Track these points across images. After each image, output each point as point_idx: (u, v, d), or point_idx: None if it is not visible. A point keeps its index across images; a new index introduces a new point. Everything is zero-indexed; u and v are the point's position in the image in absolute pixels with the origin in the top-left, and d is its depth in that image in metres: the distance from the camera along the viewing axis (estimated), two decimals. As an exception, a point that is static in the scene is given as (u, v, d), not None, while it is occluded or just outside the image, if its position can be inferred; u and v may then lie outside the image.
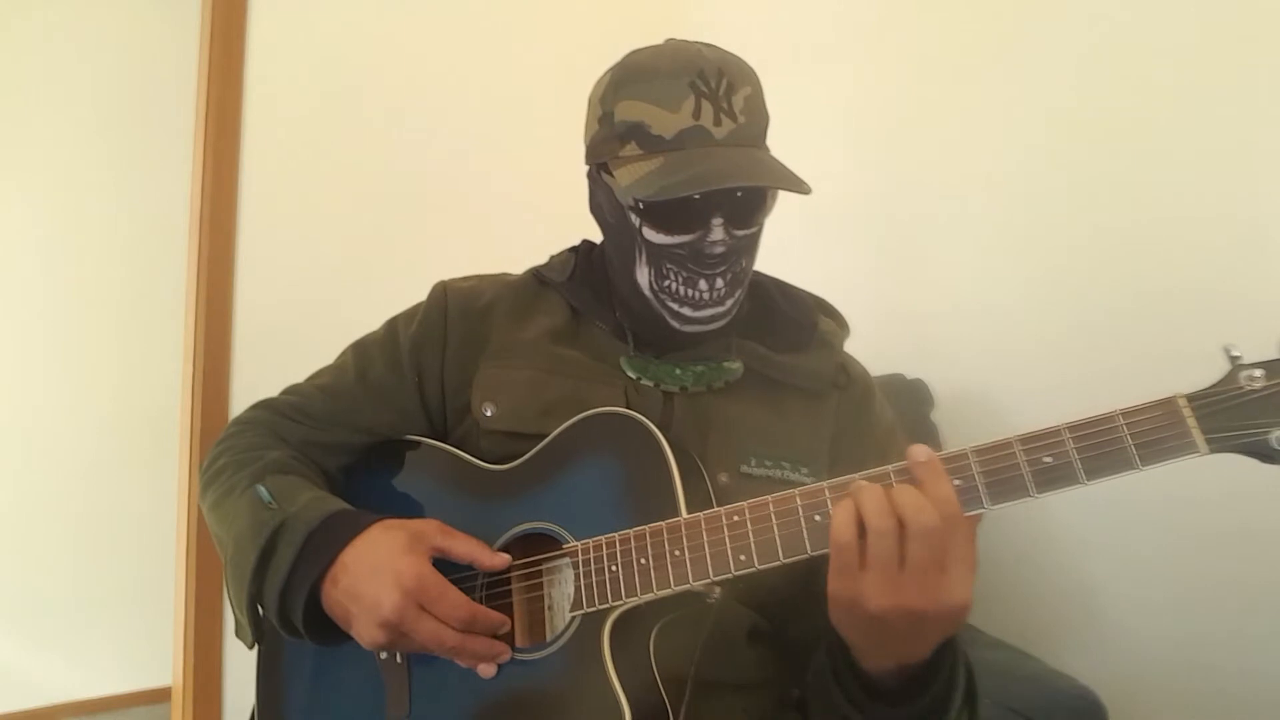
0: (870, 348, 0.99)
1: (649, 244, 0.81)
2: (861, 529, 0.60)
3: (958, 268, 1.75)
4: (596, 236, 0.94)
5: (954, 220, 1.76)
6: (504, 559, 0.77)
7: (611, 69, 0.84)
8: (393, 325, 0.95)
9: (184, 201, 1.89)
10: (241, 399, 1.80)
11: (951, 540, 0.60)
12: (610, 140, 0.82)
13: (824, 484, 0.67)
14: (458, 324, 0.91)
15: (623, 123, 0.80)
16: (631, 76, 0.81)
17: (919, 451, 0.62)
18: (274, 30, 1.92)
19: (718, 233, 0.78)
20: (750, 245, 0.83)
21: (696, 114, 0.76)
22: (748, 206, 0.79)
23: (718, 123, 0.77)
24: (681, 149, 0.77)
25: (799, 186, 0.76)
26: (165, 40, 2.54)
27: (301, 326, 1.83)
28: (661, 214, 0.79)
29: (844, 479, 0.66)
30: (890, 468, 0.64)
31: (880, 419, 0.92)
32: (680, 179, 0.74)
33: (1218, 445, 0.58)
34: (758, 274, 0.95)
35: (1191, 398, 0.59)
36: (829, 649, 0.71)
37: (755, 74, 0.82)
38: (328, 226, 1.94)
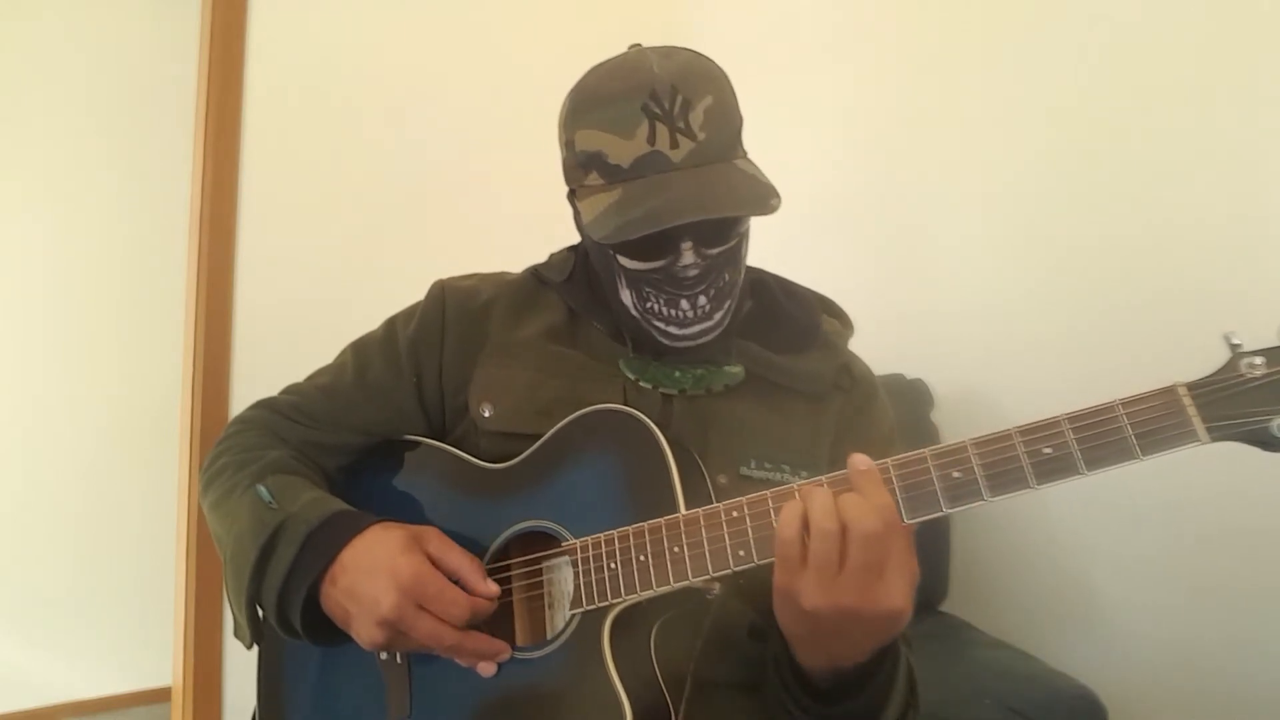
0: (870, 348, 0.99)
1: (625, 270, 0.81)
2: (807, 527, 0.62)
3: (958, 268, 1.75)
4: None
5: (954, 220, 1.75)
6: (493, 589, 0.76)
7: (570, 91, 0.83)
8: (391, 325, 0.95)
9: (184, 201, 1.89)
10: (241, 399, 1.80)
11: (891, 546, 0.61)
12: (574, 169, 0.82)
13: (823, 478, 0.67)
14: (455, 323, 0.90)
15: (583, 152, 0.79)
16: (586, 103, 0.80)
17: (859, 461, 0.64)
18: (274, 30, 1.92)
19: (688, 256, 0.77)
20: (729, 260, 0.81)
21: (651, 139, 0.75)
22: (716, 226, 0.78)
23: (674, 145, 0.75)
24: (640, 177, 0.75)
25: (760, 208, 0.74)
26: (165, 40, 2.55)
27: (301, 326, 1.82)
28: (630, 244, 0.78)
29: (842, 473, 0.66)
30: (825, 477, 0.66)
31: (881, 421, 0.91)
32: (634, 217, 0.73)
33: (1218, 434, 0.57)
34: (761, 273, 0.95)
35: (1192, 386, 0.59)
36: (775, 641, 0.73)
37: (721, 78, 0.80)
38: (328, 226, 1.94)
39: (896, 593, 0.61)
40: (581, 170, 0.80)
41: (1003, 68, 1.67)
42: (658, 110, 0.75)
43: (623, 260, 0.80)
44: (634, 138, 0.75)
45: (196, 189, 1.85)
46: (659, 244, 0.77)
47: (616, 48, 0.85)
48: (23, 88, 2.55)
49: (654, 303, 0.81)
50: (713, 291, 0.81)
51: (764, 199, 0.74)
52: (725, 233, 0.79)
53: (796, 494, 0.66)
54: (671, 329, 0.82)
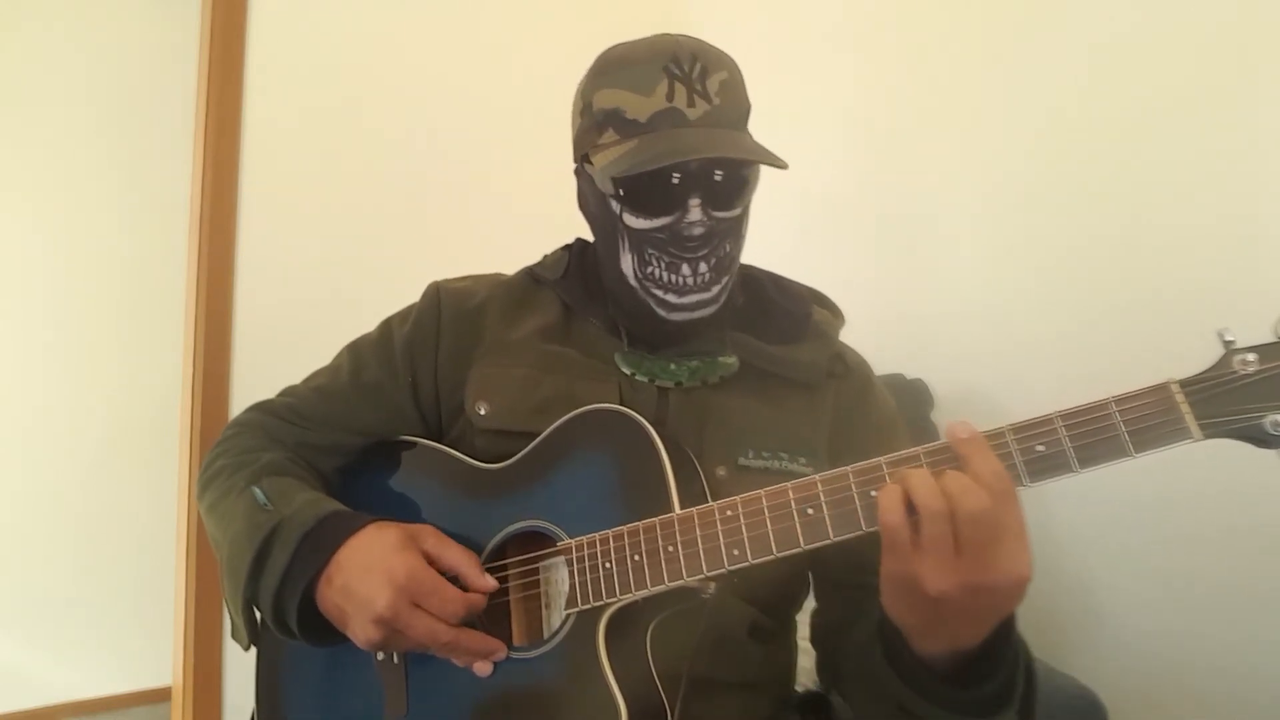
0: (870, 348, 0.99)
1: (630, 230, 0.81)
2: (911, 509, 0.60)
3: (958, 268, 1.74)
4: (590, 235, 0.94)
5: (954, 220, 1.75)
6: (491, 584, 0.76)
7: (592, 63, 0.85)
8: (387, 326, 0.95)
9: (184, 202, 1.89)
10: (241, 399, 1.80)
11: (1005, 515, 0.58)
12: (590, 130, 0.82)
13: (816, 477, 0.66)
14: (451, 324, 0.91)
15: (600, 111, 0.80)
16: (608, 67, 0.82)
17: (960, 429, 0.61)
18: (274, 30, 1.92)
19: (695, 213, 0.78)
20: (733, 230, 0.82)
21: (670, 96, 0.77)
22: (726, 188, 0.79)
23: (691, 104, 0.77)
24: (655, 130, 0.77)
25: (773, 160, 0.76)
26: (165, 40, 2.55)
27: (301, 326, 1.82)
28: (639, 197, 0.79)
29: (837, 471, 0.66)
30: (921, 449, 0.63)
31: (880, 407, 0.92)
32: (650, 155, 0.75)
33: (1211, 431, 0.57)
34: (752, 268, 0.95)
35: (1185, 383, 0.58)
36: (881, 634, 0.70)
37: (735, 65, 0.83)
38: (328, 226, 1.94)
39: (1021, 559, 0.58)
40: (596, 130, 0.81)
41: (1002, 67, 1.67)
42: (678, 71, 0.78)
43: (628, 219, 0.81)
44: (653, 94, 0.77)
45: (196, 189, 1.85)
46: (669, 198, 0.78)
47: (616, 48, 0.86)
48: (23, 88, 2.56)
49: (655, 267, 0.81)
50: (714, 260, 0.81)
51: (775, 155, 0.77)
52: (733, 197, 0.80)
53: (854, 488, 0.64)
54: (670, 297, 0.82)
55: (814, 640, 0.91)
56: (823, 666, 0.90)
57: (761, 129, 0.85)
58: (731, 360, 0.86)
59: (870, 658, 0.71)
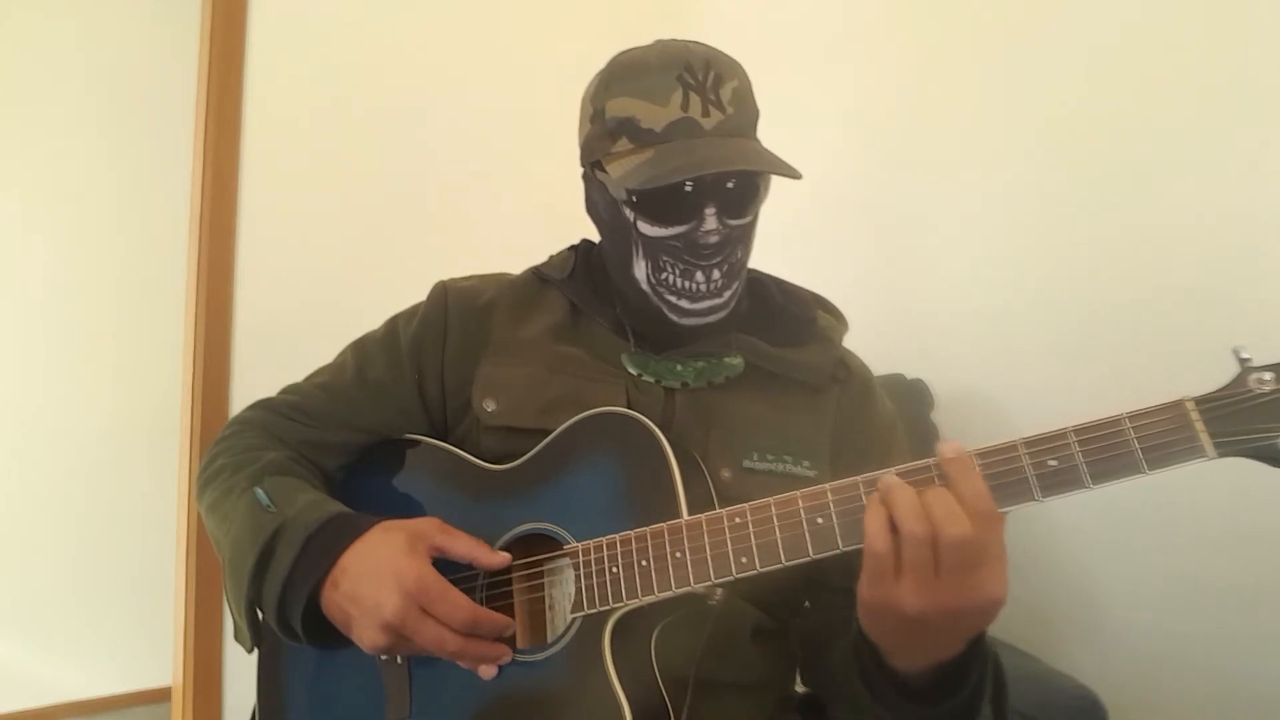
0: (870, 348, 0.99)
1: (644, 238, 0.82)
2: (894, 529, 0.60)
3: (958, 268, 1.75)
4: (596, 236, 0.95)
5: (955, 220, 1.75)
6: (504, 558, 0.77)
7: (602, 69, 0.85)
8: (393, 324, 0.95)
9: (184, 202, 1.89)
10: (241, 399, 1.80)
11: (987, 539, 0.59)
12: (602, 138, 0.82)
13: (826, 486, 0.66)
14: (458, 323, 0.91)
15: (613, 119, 0.80)
16: (621, 74, 0.82)
17: (948, 448, 0.61)
18: (274, 30, 1.92)
19: (711, 222, 0.78)
20: (745, 236, 0.83)
21: (685, 106, 0.77)
22: (740, 196, 0.80)
23: (706, 114, 0.78)
24: (671, 140, 0.78)
25: (789, 171, 0.77)
26: (165, 40, 2.55)
27: (301, 326, 1.83)
28: (655, 206, 0.79)
29: (847, 481, 0.66)
30: (932, 461, 0.63)
31: (881, 412, 0.92)
32: (670, 167, 0.75)
33: (1225, 449, 0.57)
34: (756, 272, 0.96)
35: (1199, 401, 0.58)
36: (856, 651, 0.71)
37: (744, 70, 0.83)
38: (328, 227, 1.94)
39: (997, 581, 0.59)
40: (609, 138, 0.81)
41: (1003, 66, 1.67)
42: (692, 80, 0.78)
43: (643, 226, 0.81)
44: (668, 104, 0.78)
45: (196, 190, 1.85)
46: (684, 207, 0.79)
47: (617, 48, 0.86)
48: (23, 89, 2.56)
49: (669, 273, 0.82)
50: (726, 266, 0.82)
51: (789, 166, 0.77)
52: (746, 204, 0.81)
53: (863, 497, 0.63)
54: (683, 303, 0.83)
55: (800, 640, 0.91)
56: (807, 668, 0.90)
57: (763, 129, 0.86)
58: (737, 361, 0.86)
59: (849, 668, 0.72)
